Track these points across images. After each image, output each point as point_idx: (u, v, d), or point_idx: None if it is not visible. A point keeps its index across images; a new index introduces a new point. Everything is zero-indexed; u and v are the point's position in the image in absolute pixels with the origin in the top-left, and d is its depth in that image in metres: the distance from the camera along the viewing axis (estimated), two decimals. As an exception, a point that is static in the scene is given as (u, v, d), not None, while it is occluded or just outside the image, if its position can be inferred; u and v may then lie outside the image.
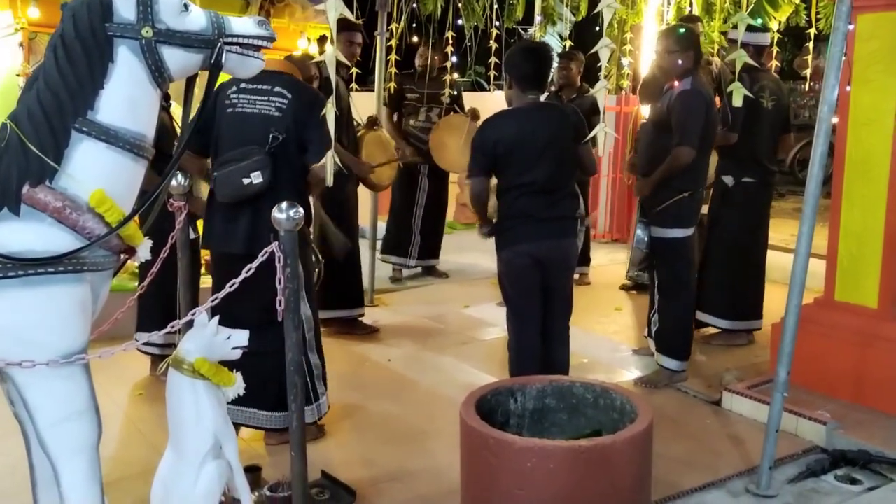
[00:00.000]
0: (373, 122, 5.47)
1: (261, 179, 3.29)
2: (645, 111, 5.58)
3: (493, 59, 6.32)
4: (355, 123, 5.27)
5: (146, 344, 4.13)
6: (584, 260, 6.54)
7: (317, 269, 3.83)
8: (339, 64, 4.63)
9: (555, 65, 6.57)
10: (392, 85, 6.24)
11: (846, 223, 4.09)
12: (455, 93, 6.55)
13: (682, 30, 4.48)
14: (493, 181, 3.85)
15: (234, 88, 3.48)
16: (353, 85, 6.33)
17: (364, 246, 6.17)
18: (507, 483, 2.38)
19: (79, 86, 2.17)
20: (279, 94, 3.42)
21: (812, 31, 6.29)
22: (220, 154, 3.43)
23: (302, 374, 2.61)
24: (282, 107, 3.41)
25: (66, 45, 2.18)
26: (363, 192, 6.13)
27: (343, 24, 5.04)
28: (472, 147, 3.76)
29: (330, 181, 3.26)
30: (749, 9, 5.97)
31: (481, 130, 3.80)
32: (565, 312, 3.92)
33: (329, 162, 3.21)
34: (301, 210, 2.56)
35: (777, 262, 5.25)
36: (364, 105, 5.91)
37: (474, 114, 6.30)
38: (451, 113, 6.45)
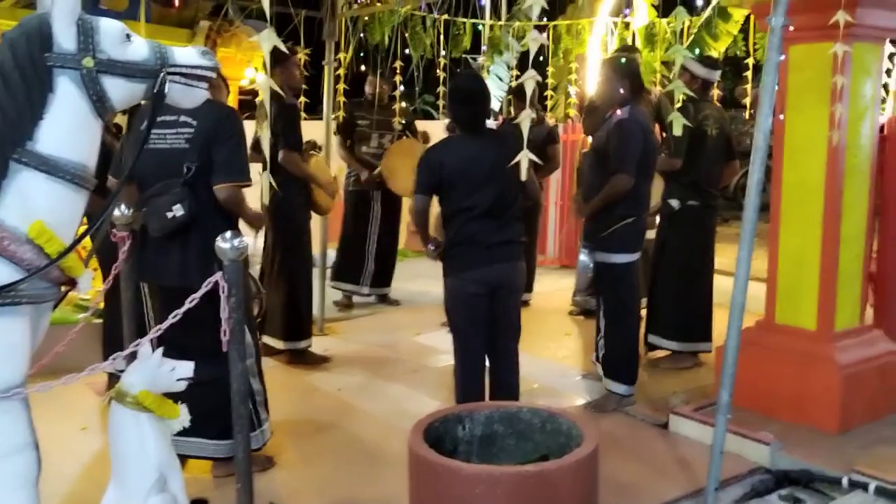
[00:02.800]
0: (312, 146, 5.47)
1: (182, 212, 3.26)
2: (590, 139, 5.69)
3: (440, 88, 6.40)
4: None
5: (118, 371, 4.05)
6: (528, 286, 6.61)
7: (257, 299, 3.81)
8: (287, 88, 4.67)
9: (502, 95, 6.69)
10: (341, 113, 6.27)
11: (784, 247, 4.20)
12: (405, 120, 6.61)
13: (622, 59, 4.60)
14: (437, 208, 3.89)
15: (146, 124, 3.44)
16: (302, 114, 6.36)
17: (314, 274, 6.16)
18: (456, 510, 2.39)
19: (17, 116, 2.15)
20: (185, 123, 3.35)
21: (751, 61, 6.48)
22: (144, 189, 3.39)
23: (247, 404, 2.59)
24: (189, 136, 3.35)
25: (3, 75, 2.16)
26: (314, 221, 6.13)
27: (282, 55, 5.08)
28: (417, 167, 3.81)
29: (266, 200, 3.24)
30: (689, 40, 6.16)
31: (427, 153, 3.87)
32: (513, 337, 3.94)
33: (264, 183, 3.19)
34: (245, 240, 2.55)
35: (722, 286, 5.33)
36: (312, 133, 5.92)
37: (425, 137, 6.37)
38: (403, 138, 6.51)
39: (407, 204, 7.29)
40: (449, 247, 3.82)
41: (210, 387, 3.03)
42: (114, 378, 4.27)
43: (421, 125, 7.15)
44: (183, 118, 3.35)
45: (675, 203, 5.14)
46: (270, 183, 3.09)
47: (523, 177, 3.37)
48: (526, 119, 3.19)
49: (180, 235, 3.33)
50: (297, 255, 5.13)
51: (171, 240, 3.34)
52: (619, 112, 4.41)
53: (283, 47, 3.04)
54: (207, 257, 3.30)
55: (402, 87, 6.27)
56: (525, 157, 3.15)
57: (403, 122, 6.53)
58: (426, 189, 3.81)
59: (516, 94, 6.52)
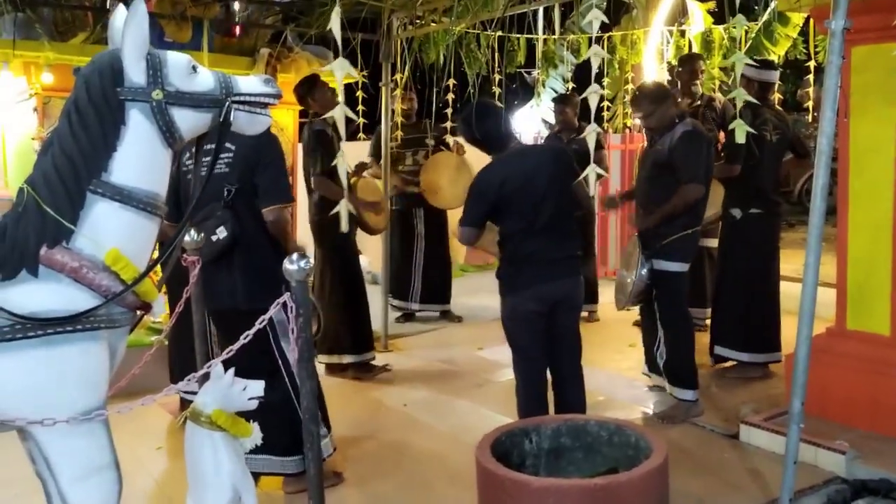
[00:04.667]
0: (361, 168, 5.56)
1: (225, 234, 3.34)
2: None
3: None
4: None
5: (185, 392, 4.16)
6: (592, 297, 6.58)
7: (314, 317, 3.87)
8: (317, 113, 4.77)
9: (552, 107, 6.71)
10: (399, 133, 6.37)
11: (853, 251, 4.11)
12: (438, 134, 6.68)
13: (636, 92, 4.70)
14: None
15: (188, 154, 3.53)
16: (361, 134, 6.46)
17: (376, 291, 6.24)
18: (525, 524, 2.39)
19: (92, 149, 2.24)
20: (225, 148, 3.32)
21: (812, 64, 6.36)
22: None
23: (317, 422, 2.63)
24: (229, 161, 3.42)
25: (79, 110, 2.25)
26: (373, 239, 6.22)
27: (312, 80, 5.17)
28: (471, 191, 3.74)
29: (345, 227, 3.31)
30: (747, 46, 6.08)
31: (483, 174, 3.78)
32: (575, 352, 3.91)
33: (343, 210, 3.27)
34: (311, 260, 2.60)
35: (790, 293, 5.24)
36: (363, 154, 6.03)
37: (459, 149, 6.41)
38: (438, 152, 6.57)
39: (453, 217, 7.37)
40: (507, 265, 3.80)
41: (270, 405, 3.09)
42: (186, 399, 4.39)
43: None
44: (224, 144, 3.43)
45: (736, 212, 5.06)
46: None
47: (591, 191, 3.36)
48: (592, 134, 3.19)
49: (225, 258, 3.41)
50: (347, 272, 5.23)
51: (217, 263, 3.41)
52: (680, 125, 4.39)
53: (356, 74, 3.11)
54: (253, 278, 3.40)
55: (458, 105, 6.32)
56: (593, 172, 3.15)
57: (435, 135, 6.61)
58: (477, 219, 3.72)
59: (560, 101, 6.52)
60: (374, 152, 6.48)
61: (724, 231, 5.22)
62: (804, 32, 6.26)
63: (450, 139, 6.85)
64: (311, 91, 5.09)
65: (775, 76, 5.22)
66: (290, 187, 3.55)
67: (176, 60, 2.33)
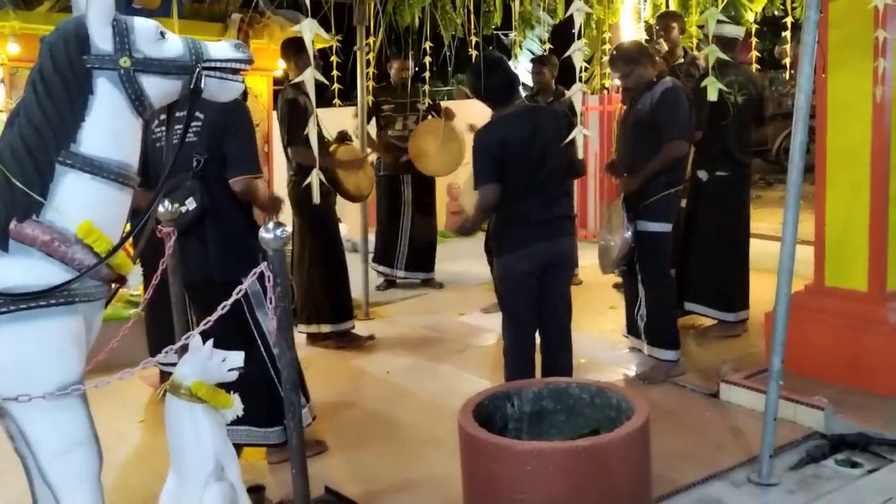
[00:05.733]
0: (343, 137, 5.50)
1: (194, 205, 3.29)
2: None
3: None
4: (326, 139, 5.30)
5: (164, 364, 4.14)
6: None
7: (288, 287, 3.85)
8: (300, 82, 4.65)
9: (529, 68, 6.64)
10: (370, 98, 6.29)
11: (831, 209, 4.13)
12: (432, 101, 6.62)
13: (613, 53, 4.64)
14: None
15: (157, 122, 3.46)
16: (336, 101, 6.38)
17: (356, 258, 6.21)
18: (508, 487, 2.39)
19: (60, 119, 2.19)
20: (194, 117, 3.32)
21: (789, 20, 6.33)
22: (155, 185, 3.42)
23: (297, 392, 2.62)
24: (198, 130, 3.35)
25: (44, 79, 2.20)
26: (353, 206, 6.18)
27: (292, 42, 5.09)
28: (475, 154, 3.71)
29: (316, 199, 3.27)
30: (724, 3, 6.03)
31: (482, 136, 3.74)
32: (565, 315, 3.92)
33: (314, 180, 3.22)
34: (288, 229, 2.57)
35: (768, 251, 5.28)
36: (343, 120, 5.95)
37: (449, 115, 6.37)
38: (428, 118, 6.51)
39: (441, 186, 7.32)
40: (502, 225, 3.79)
41: (249, 376, 3.07)
42: (165, 372, 4.37)
43: (454, 105, 7.14)
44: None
45: (702, 174, 5.06)
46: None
47: (580, 153, 3.33)
48: (578, 93, 3.14)
49: (196, 229, 3.36)
50: (326, 240, 5.19)
51: (187, 234, 3.36)
52: (660, 83, 4.36)
53: (325, 35, 3.04)
54: (225, 248, 3.36)
55: (434, 69, 6.25)
56: (580, 133, 3.11)
57: (428, 102, 6.54)
58: (494, 175, 3.64)
59: (538, 62, 6.45)
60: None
61: (691, 193, 5.19)
62: (781, -12, 6.23)
63: (443, 103, 6.80)
64: (298, 52, 4.98)
65: (736, 31, 5.16)
66: (258, 157, 3.47)
67: (143, 26, 2.27)
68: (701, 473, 3.32)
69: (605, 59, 7.98)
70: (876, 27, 3.70)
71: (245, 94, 4.16)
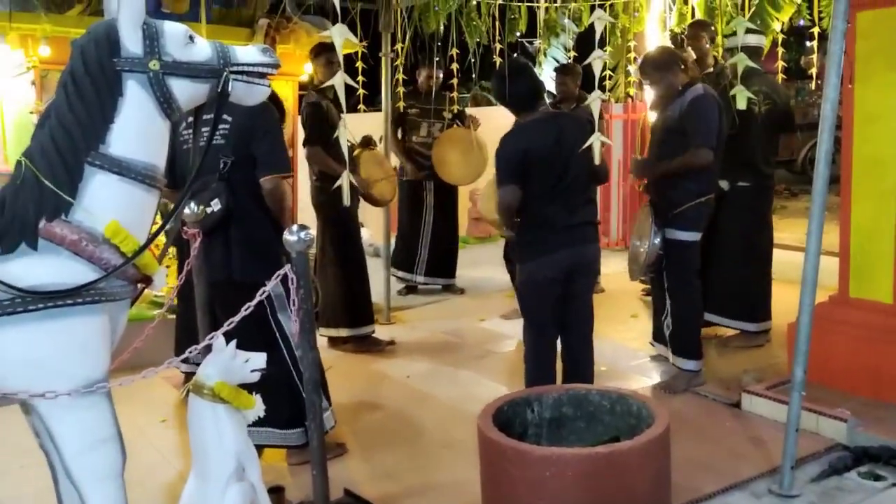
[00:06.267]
0: (367, 142, 5.53)
1: (220, 206, 3.33)
2: (651, 116, 5.62)
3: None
4: (350, 143, 5.32)
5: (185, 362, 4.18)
6: None
7: (312, 288, 3.87)
8: (325, 87, 4.67)
9: (553, 77, 6.63)
10: (401, 104, 6.33)
11: (856, 219, 4.09)
12: (459, 107, 6.63)
13: (643, 60, 4.63)
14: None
15: (185, 124, 3.51)
16: (361, 106, 6.41)
17: (378, 263, 6.24)
18: (527, 493, 2.40)
19: (90, 120, 2.22)
20: (221, 119, 3.37)
21: (816, 30, 6.29)
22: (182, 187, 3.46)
23: (319, 393, 2.64)
24: (225, 132, 3.41)
25: (75, 81, 2.23)
26: (375, 211, 6.21)
27: (322, 46, 5.14)
28: (498, 158, 3.73)
29: (346, 201, 3.29)
30: (751, 12, 6.00)
31: (507, 141, 3.76)
32: (588, 322, 3.92)
33: (344, 182, 3.24)
34: (312, 232, 2.59)
35: (792, 261, 5.23)
36: (367, 125, 5.98)
37: (475, 123, 6.38)
38: (453, 126, 6.52)
39: (463, 192, 7.33)
40: (526, 231, 3.80)
41: (270, 378, 3.10)
42: (188, 372, 4.41)
43: (477, 112, 7.15)
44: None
45: (724, 184, 5.01)
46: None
47: (597, 160, 3.33)
48: (596, 101, 3.15)
49: (220, 230, 3.40)
50: (348, 244, 5.21)
51: (213, 235, 3.40)
52: (690, 90, 4.35)
53: (354, 40, 3.07)
54: (248, 250, 3.40)
55: (459, 75, 6.27)
56: (598, 140, 3.12)
57: (455, 110, 6.55)
58: (515, 178, 3.68)
59: (561, 71, 6.45)
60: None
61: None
62: (808, -1, 6.18)
63: (468, 111, 6.81)
64: (327, 56, 5.05)
65: (758, 40, 5.13)
66: (288, 158, 3.52)
67: (173, 30, 2.30)
68: (721, 484, 3.30)
69: (630, 67, 8.00)
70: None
71: (278, 104, 4.21)
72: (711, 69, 5.59)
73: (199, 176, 3.34)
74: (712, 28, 5.93)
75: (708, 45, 5.68)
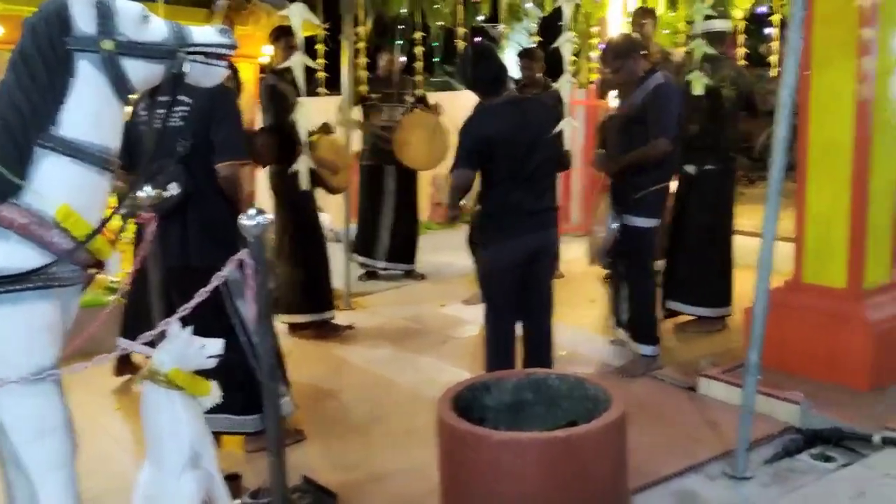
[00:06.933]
0: (326, 128, 5.47)
1: (178, 191, 3.29)
2: (613, 103, 5.64)
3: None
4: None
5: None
6: None
7: (271, 273, 3.83)
8: (284, 70, 4.60)
9: (517, 62, 6.62)
10: (364, 87, 6.26)
11: (812, 206, 4.16)
12: (422, 92, 6.60)
13: (613, 45, 4.60)
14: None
15: (142, 105, 3.46)
16: (322, 89, 6.36)
17: (338, 248, 6.19)
18: (485, 477, 2.40)
19: (41, 101, 2.17)
20: (180, 101, 3.33)
21: (775, 18, 6.37)
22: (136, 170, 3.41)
23: (276, 379, 2.61)
24: (184, 115, 3.35)
25: (25, 60, 2.18)
26: (335, 196, 6.15)
27: (282, 29, 5.07)
28: (460, 138, 3.72)
29: (305, 185, 3.24)
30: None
31: (471, 125, 3.74)
32: (548, 306, 3.94)
33: (303, 166, 3.20)
34: (269, 216, 2.56)
35: (749, 247, 5.29)
36: (328, 109, 5.93)
37: (438, 109, 6.35)
38: (415, 110, 6.49)
39: (424, 177, 7.30)
40: (490, 215, 3.80)
41: (227, 364, 3.06)
42: (124, 359, 4.35)
43: (439, 96, 7.12)
44: (179, 96, 3.35)
45: (691, 169, 5.07)
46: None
47: (567, 145, 3.31)
48: (566, 84, 3.13)
49: (177, 214, 3.36)
50: (307, 230, 5.16)
51: (169, 220, 3.36)
52: (651, 78, 4.36)
53: (314, 20, 3.02)
54: (205, 235, 3.35)
55: (422, 59, 6.24)
56: (569, 125, 3.10)
57: (416, 95, 6.51)
58: (474, 163, 3.67)
59: (523, 55, 6.44)
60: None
61: (680, 187, 5.22)
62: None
63: (430, 97, 6.76)
64: (286, 37, 4.94)
65: (723, 25, 5.16)
66: (245, 144, 3.47)
67: (127, 9, 2.25)
68: (677, 466, 3.34)
69: (592, 53, 8.02)
70: (861, 26, 3.73)
71: (237, 78, 4.15)
72: (657, 57, 5.63)
73: (155, 158, 3.30)
74: (655, 15, 5.96)
75: (651, 32, 5.72)
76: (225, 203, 3.39)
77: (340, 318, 5.51)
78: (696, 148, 5.00)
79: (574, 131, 3.43)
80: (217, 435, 3.24)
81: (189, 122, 3.36)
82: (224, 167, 3.38)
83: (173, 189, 3.29)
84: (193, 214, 3.37)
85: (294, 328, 5.29)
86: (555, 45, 3.10)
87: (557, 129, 3.17)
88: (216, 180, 3.39)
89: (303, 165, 3.07)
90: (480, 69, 3.73)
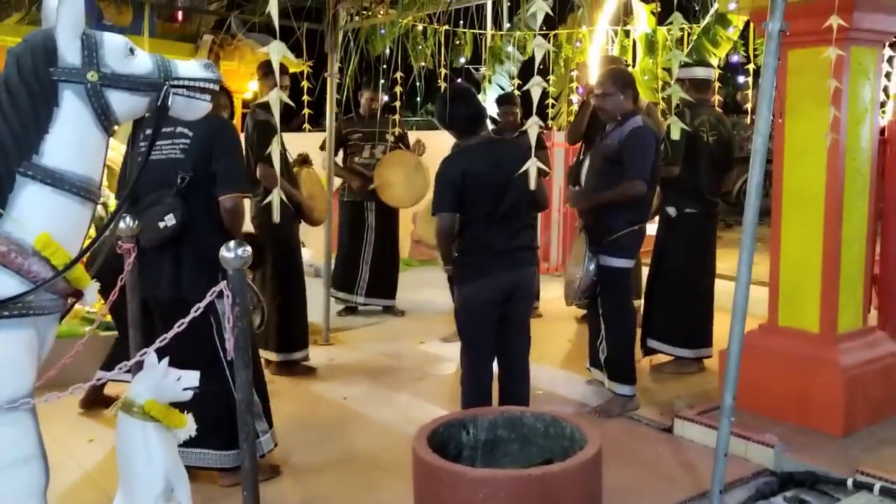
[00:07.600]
0: (303, 160, 5.49)
1: (174, 222, 3.31)
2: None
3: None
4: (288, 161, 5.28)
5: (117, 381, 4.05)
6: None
7: (258, 309, 3.83)
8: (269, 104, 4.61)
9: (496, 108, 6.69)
10: (338, 125, 6.31)
11: (786, 251, 4.22)
12: (402, 131, 6.65)
13: (617, 72, 4.66)
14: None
15: (142, 136, 3.49)
16: (306, 125, 6.40)
17: (318, 283, 6.19)
18: (460, 514, 2.40)
19: (23, 130, 2.18)
20: (181, 134, 3.41)
21: (751, 67, 6.51)
22: (137, 201, 3.42)
23: (251, 413, 2.60)
24: (185, 147, 3.40)
25: (9, 90, 2.19)
26: (316, 231, 6.17)
27: (269, 65, 5.09)
28: (437, 182, 3.77)
29: (276, 218, 3.25)
30: (689, 47, 6.19)
31: (447, 165, 3.80)
32: (525, 345, 3.96)
33: (275, 199, 3.21)
34: (249, 248, 2.58)
35: (724, 291, 5.35)
36: (311, 145, 5.96)
37: (419, 148, 6.40)
38: (396, 150, 6.54)
39: (405, 214, 7.33)
40: (464, 254, 3.82)
41: (209, 398, 3.05)
42: (96, 390, 4.29)
43: (423, 136, 7.18)
44: (179, 129, 3.41)
45: (671, 210, 5.15)
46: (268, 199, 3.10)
47: (532, 185, 3.37)
48: (534, 126, 3.18)
49: (172, 247, 3.37)
50: (287, 266, 5.14)
51: (163, 251, 3.37)
52: (630, 121, 4.43)
53: (292, 58, 3.07)
54: (199, 268, 3.35)
55: (402, 99, 6.30)
56: (534, 166, 3.15)
57: (397, 133, 6.57)
58: (452, 206, 3.72)
59: (502, 101, 6.52)
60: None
61: (659, 229, 5.30)
62: (744, 35, 6.40)
63: (411, 136, 6.82)
64: (268, 74, 4.96)
65: (705, 73, 5.27)
66: (246, 177, 3.51)
67: (112, 41, 2.28)
68: (652, 507, 3.35)
69: (573, 97, 8.14)
70: (830, 77, 3.83)
71: (229, 97, 4.18)
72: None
73: (149, 190, 3.32)
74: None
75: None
76: (220, 236, 3.39)
77: (319, 353, 5.49)
78: (677, 190, 5.08)
79: (547, 174, 3.44)
80: (190, 470, 3.22)
81: (189, 154, 3.40)
82: (228, 199, 3.41)
83: (170, 220, 3.31)
84: (189, 247, 3.38)
85: (267, 363, 5.25)
86: (525, 87, 3.16)
87: (522, 169, 3.22)
88: (213, 213, 3.42)
89: (275, 197, 3.08)
90: (457, 109, 3.79)
